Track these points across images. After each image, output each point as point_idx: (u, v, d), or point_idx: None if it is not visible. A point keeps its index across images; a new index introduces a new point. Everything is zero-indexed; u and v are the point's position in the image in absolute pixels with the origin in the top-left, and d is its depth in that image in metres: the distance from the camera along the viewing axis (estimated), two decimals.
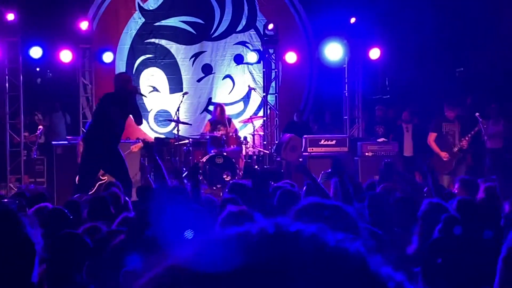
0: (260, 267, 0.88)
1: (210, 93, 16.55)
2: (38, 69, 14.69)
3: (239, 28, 16.60)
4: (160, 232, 3.03)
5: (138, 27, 16.39)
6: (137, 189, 8.38)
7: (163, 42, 16.46)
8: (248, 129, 15.49)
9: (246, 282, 0.87)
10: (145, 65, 16.46)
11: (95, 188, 11.30)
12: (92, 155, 10.07)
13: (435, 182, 6.50)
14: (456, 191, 7.45)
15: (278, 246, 0.90)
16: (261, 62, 16.10)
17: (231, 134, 13.83)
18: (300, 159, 13.86)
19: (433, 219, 4.48)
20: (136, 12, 16.36)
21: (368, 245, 0.97)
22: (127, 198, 7.25)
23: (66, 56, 14.64)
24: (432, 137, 13.15)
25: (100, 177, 11.49)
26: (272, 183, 7.78)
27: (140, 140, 13.49)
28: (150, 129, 16.39)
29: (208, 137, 13.76)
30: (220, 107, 14.33)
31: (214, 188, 12.92)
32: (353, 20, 14.97)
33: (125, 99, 10.05)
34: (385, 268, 0.92)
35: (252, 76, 16.51)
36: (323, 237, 0.92)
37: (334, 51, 15.04)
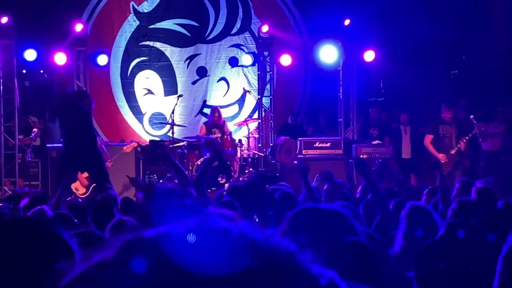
0: (188, 265, 0.88)
1: (204, 96, 16.55)
2: (24, 71, 14.59)
3: (234, 30, 16.61)
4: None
5: (132, 30, 16.39)
6: (143, 188, 8.33)
7: (157, 44, 16.45)
8: (243, 131, 15.49)
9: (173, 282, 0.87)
10: (139, 67, 16.45)
11: (90, 190, 11.28)
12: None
13: (443, 184, 6.51)
14: (455, 193, 7.44)
15: (207, 243, 0.90)
16: (256, 64, 16.11)
17: (226, 136, 13.83)
18: (295, 162, 13.86)
19: (415, 221, 4.50)
20: (131, 14, 16.36)
21: (298, 242, 0.97)
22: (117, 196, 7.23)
23: (60, 58, 14.61)
24: (428, 139, 13.17)
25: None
26: (268, 186, 7.79)
27: (133, 141, 13.48)
28: (144, 132, 16.37)
29: (203, 140, 13.76)
30: (217, 111, 14.32)
31: (209, 190, 12.89)
32: (347, 22, 14.98)
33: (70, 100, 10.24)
34: (315, 265, 0.92)
35: (247, 78, 16.51)
36: (252, 234, 0.92)
37: (328, 54, 15.04)
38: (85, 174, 10.95)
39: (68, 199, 8.35)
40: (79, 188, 11.04)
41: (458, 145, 12.93)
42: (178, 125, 14.69)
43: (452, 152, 12.97)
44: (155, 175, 14.25)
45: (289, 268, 0.90)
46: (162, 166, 14.02)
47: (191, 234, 0.93)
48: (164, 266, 0.88)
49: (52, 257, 1.90)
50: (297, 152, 13.84)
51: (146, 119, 16.46)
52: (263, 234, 0.93)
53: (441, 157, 12.95)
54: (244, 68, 16.47)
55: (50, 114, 10.87)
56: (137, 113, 16.45)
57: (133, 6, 16.33)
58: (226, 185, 12.72)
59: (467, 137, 12.90)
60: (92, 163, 10.37)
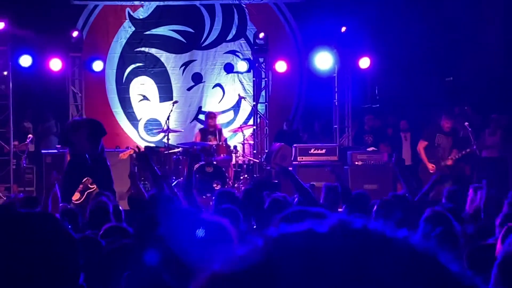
0: (330, 266, 0.86)
1: (200, 102, 16.55)
2: (5, 73, 14.51)
3: (229, 37, 16.62)
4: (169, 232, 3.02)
5: (128, 36, 16.39)
6: (128, 198, 8.35)
7: (153, 51, 16.46)
8: (238, 138, 15.49)
9: (314, 283, 0.86)
10: (135, 73, 16.45)
11: (84, 197, 11.27)
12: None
13: (406, 179, 6.56)
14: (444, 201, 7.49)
15: (347, 244, 0.89)
16: (251, 71, 16.12)
17: (221, 143, 13.83)
18: (290, 168, 13.86)
19: (433, 226, 4.50)
20: (126, 21, 16.36)
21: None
22: (120, 208, 7.23)
23: (56, 64, 14.62)
24: (422, 144, 13.18)
25: (89, 185, 11.45)
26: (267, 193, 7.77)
27: (130, 148, 13.47)
28: (140, 138, 16.36)
29: (199, 147, 13.75)
30: (212, 116, 14.31)
31: (204, 197, 12.89)
32: (343, 29, 15.01)
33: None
34: (454, 264, 0.91)
35: (242, 85, 16.53)
36: (391, 233, 0.91)
37: (324, 60, 15.06)
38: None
39: (60, 204, 8.32)
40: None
41: (451, 157, 12.93)
42: (173, 131, 14.68)
43: (442, 164, 12.95)
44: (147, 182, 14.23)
45: (433, 269, 0.89)
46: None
47: (201, 229, 0.93)
48: (308, 264, 0.87)
49: (57, 249, 1.90)
50: (292, 158, 13.85)
51: (141, 125, 16.46)
52: (402, 233, 0.91)
53: (431, 167, 12.96)
54: (240, 75, 16.48)
55: (62, 143, 11.07)
56: (132, 119, 16.45)
57: (128, 12, 16.34)
58: None
59: (461, 153, 12.88)
60: (98, 170, 10.37)
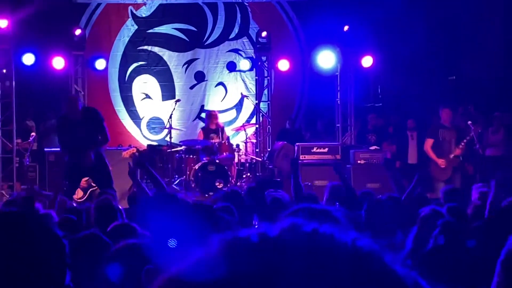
0: (278, 269, 0.88)
1: (202, 101, 16.56)
2: (4, 70, 14.50)
3: (232, 35, 16.63)
4: (147, 240, 3.04)
5: (131, 34, 16.41)
6: (128, 197, 8.36)
7: (155, 49, 16.47)
8: (240, 136, 15.50)
9: (263, 286, 0.87)
10: (137, 72, 16.46)
11: (87, 195, 11.27)
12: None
13: (397, 181, 6.57)
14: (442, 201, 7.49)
15: (296, 247, 0.91)
16: (254, 69, 16.12)
17: (223, 141, 13.84)
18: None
19: (431, 225, 4.51)
20: (129, 19, 16.38)
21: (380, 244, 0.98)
22: (120, 206, 7.23)
23: (58, 63, 14.64)
24: (428, 143, 13.18)
25: (92, 184, 11.46)
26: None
27: (132, 146, 13.48)
28: (142, 136, 16.38)
29: (200, 145, 13.76)
30: (213, 114, 14.32)
31: (206, 195, 12.90)
32: (346, 28, 15.01)
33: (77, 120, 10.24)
34: (398, 266, 0.93)
35: (245, 83, 16.53)
36: (340, 236, 0.93)
37: (326, 59, 15.06)
38: (84, 179, 10.95)
39: (57, 200, 8.33)
40: (76, 192, 11.03)
41: (457, 149, 12.96)
42: (176, 129, 14.69)
43: (451, 156, 12.98)
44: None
45: (379, 270, 0.90)
46: (160, 171, 14.01)
47: (172, 239, 0.96)
48: (261, 268, 0.88)
49: (43, 251, 1.89)
50: (294, 157, 13.84)
51: (143, 123, 16.47)
52: (350, 236, 0.93)
53: (441, 162, 12.97)
54: (242, 73, 16.49)
55: (57, 128, 10.96)
56: (135, 117, 16.47)
57: (131, 11, 16.35)
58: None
59: (464, 141, 12.92)
60: (97, 169, 10.37)
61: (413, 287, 0.92)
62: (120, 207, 7.17)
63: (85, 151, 10.27)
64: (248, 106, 16.45)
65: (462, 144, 12.92)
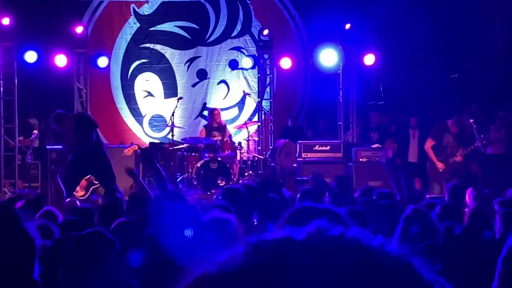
0: (305, 273, 0.88)
1: (204, 98, 16.56)
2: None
3: (234, 33, 16.63)
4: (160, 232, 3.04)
5: (133, 32, 16.41)
6: (129, 196, 8.35)
7: (158, 47, 16.48)
8: (242, 134, 15.49)
9: None
10: (140, 70, 16.47)
11: (89, 192, 11.30)
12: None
13: (397, 182, 6.57)
14: (446, 199, 7.50)
15: (323, 252, 0.90)
16: (256, 67, 16.12)
17: (225, 139, 13.84)
18: (295, 165, 13.88)
19: (414, 224, 4.51)
20: (131, 17, 16.38)
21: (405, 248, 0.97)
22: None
23: (61, 60, 14.65)
24: (429, 143, 13.18)
25: (94, 181, 11.47)
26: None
27: (134, 144, 13.49)
28: (144, 134, 16.38)
29: (203, 143, 13.76)
30: (216, 111, 14.33)
31: (208, 193, 12.91)
32: (348, 26, 15.00)
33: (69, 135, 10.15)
34: (428, 271, 0.92)
35: (247, 81, 16.53)
36: (367, 241, 0.93)
37: (328, 57, 15.06)
38: (86, 177, 10.96)
39: (67, 200, 8.35)
40: (78, 189, 11.05)
41: (457, 155, 12.94)
42: (178, 127, 14.69)
43: (450, 161, 12.97)
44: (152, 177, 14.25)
45: (408, 275, 0.90)
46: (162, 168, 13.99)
47: (189, 229, 0.95)
48: (288, 272, 0.88)
49: (14, 248, 1.94)
50: (296, 155, 13.85)
51: (146, 121, 16.48)
52: (377, 240, 0.93)
53: (440, 166, 12.98)
54: (244, 71, 16.49)
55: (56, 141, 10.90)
56: (137, 115, 16.47)
57: (133, 9, 16.36)
58: None
59: (468, 149, 12.89)
60: (99, 167, 10.34)
61: None
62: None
63: (85, 155, 10.24)
64: (250, 104, 16.45)
65: (464, 152, 12.91)
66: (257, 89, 16.25)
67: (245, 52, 16.50)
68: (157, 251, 2.79)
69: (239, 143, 14.38)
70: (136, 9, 16.37)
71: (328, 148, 13.82)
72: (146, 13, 16.44)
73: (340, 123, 15.48)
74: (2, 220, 2.07)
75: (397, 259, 0.91)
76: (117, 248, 3.53)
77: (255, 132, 15.88)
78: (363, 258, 0.90)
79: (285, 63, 15.56)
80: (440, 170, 12.96)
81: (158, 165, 6.54)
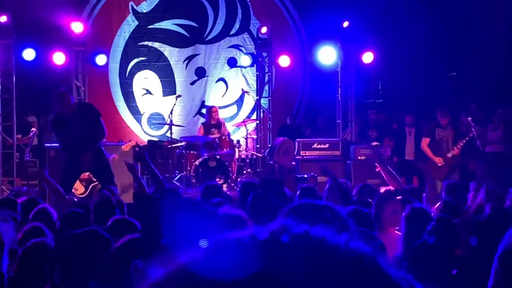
0: (271, 271, 0.87)
1: (203, 96, 16.55)
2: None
3: (233, 31, 16.62)
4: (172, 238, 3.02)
5: (131, 30, 16.39)
6: (134, 194, 8.32)
7: (156, 45, 16.46)
8: (241, 132, 15.49)
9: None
10: (138, 68, 16.45)
11: (88, 190, 11.26)
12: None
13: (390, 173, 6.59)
14: (443, 196, 7.50)
15: (286, 250, 0.90)
16: (255, 65, 16.11)
17: (224, 137, 13.84)
18: (293, 163, 13.88)
19: (416, 223, 4.51)
20: (130, 15, 16.36)
21: (375, 245, 0.97)
22: (123, 201, 7.22)
23: (59, 58, 14.63)
24: (425, 142, 13.21)
25: (93, 178, 11.44)
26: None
27: (131, 140, 13.47)
28: (143, 132, 16.37)
29: (201, 141, 13.76)
30: (214, 109, 14.33)
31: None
32: (346, 24, 15.00)
33: (70, 115, 10.07)
34: (394, 269, 0.92)
35: (246, 79, 16.53)
36: (332, 238, 0.92)
37: (327, 55, 15.06)
38: (84, 174, 10.93)
39: (67, 197, 8.34)
40: (77, 187, 11.03)
41: (455, 148, 12.95)
42: (176, 125, 14.69)
43: (448, 156, 12.98)
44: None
45: (372, 273, 0.89)
46: (161, 166, 14.01)
47: (204, 239, 0.95)
48: (250, 270, 0.88)
49: None
50: (295, 153, 13.85)
51: (144, 119, 16.47)
52: (342, 238, 0.92)
53: (438, 160, 12.99)
54: (243, 69, 16.48)
55: (52, 127, 10.82)
56: (136, 113, 16.46)
57: (132, 6, 16.34)
58: (225, 185, 12.73)
59: (464, 140, 12.91)
60: (97, 165, 10.34)
61: None
62: (123, 202, 7.16)
63: (83, 152, 10.19)
64: (249, 102, 16.45)
65: (461, 144, 12.92)
66: (255, 87, 16.25)
67: (244, 50, 16.49)
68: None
69: (238, 141, 14.38)
70: (135, 7, 16.36)
71: (326, 146, 13.82)
72: (144, 11, 16.42)
73: (339, 121, 15.48)
74: None
75: (362, 257, 0.90)
76: (113, 246, 3.53)
77: (254, 130, 15.88)
78: (327, 256, 0.89)
79: (284, 61, 15.56)
80: (439, 165, 12.96)
81: (152, 165, 6.54)
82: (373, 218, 5.36)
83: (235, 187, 12.94)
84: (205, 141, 13.63)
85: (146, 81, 16.48)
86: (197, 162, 13.31)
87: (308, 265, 0.88)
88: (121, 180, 11.41)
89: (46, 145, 13.62)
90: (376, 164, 7.74)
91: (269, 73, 16.12)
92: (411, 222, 4.61)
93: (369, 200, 6.35)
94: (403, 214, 4.76)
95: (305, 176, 11.73)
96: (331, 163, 13.32)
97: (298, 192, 7.15)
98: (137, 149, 13.18)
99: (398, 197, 5.88)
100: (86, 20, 16.02)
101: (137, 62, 16.45)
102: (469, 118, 12.90)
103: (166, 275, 0.92)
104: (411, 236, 4.51)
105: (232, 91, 16.54)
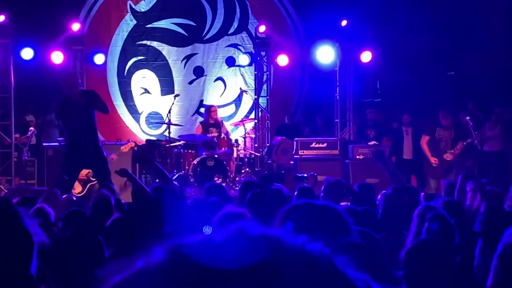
0: (223, 274, 0.88)
1: (201, 95, 16.55)
2: None
3: (231, 30, 16.61)
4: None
5: (129, 29, 16.38)
6: (132, 193, 8.30)
7: (154, 44, 16.45)
8: (239, 131, 15.49)
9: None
10: (136, 67, 16.44)
11: (86, 189, 11.27)
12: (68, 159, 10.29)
13: (391, 171, 6.58)
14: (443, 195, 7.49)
15: (242, 252, 0.90)
16: (253, 64, 16.10)
17: (222, 136, 13.83)
18: (291, 162, 13.87)
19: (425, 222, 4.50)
20: (128, 14, 16.35)
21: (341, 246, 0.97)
22: (122, 200, 7.20)
23: (57, 57, 14.61)
24: (424, 139, 13.23)
25: (90, 178, 11.45)
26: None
27: (131, 141, 13.48)
28: (141, 131, 16.37)
29: (199, 140, 13.75)
30: (212, 108, 14.33)
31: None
32: (344, 23, 15.00)
33: (77, 99, 10.07)
34: (350, 269, 0.93)
35: (244, 78, 16.52)
36: (288, 240, 0.93)
37: (325, 54, 15.06)
38: (82, 173, 10.94)
39: (63, 196, 8.33)
40: (75, 186, 11.03)
41: (453, 151, 12.95)
42: (175, 124, 14.69)
43: (445, 157, 12.99)
44: (149, 175, 14.24)
45: (328, 274, 0.90)
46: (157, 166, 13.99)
47: (208, 226, 0.95)
48: (206, 273, 0.88)
49: (12, 244, 1.98)
50: (293, 152, 13.85)
51: (142, 118, 16.46)
52: (299, 240, 0.93)
53: (433, 160, 13.01)
54: (241, 68, 16.47)
55: (56, 112, 10.82)
56: (134, 112, 16.45)
57: (130, 5, 16.33)
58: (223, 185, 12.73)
59: (464, 143, 12.91)
60: (97, 161, 10.35)
61: None
62: (122, 201, 7.15)
63: (86, 143, 10.20)
64: (247, 101, 16.44)
65: (459, 146, 12.92)
66: (254, 86, 16.24)
67: (242, 49, 16.49)
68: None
69: (236, 140, 14.38)
70: (133, 6, 16.35)
71: (325, 145, 13.82)
72: (142, 10, 16.41)
73: (337, 120, 15.49)
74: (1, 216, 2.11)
75: (318, 257, 0.91)
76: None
77: (252, 129, 15.87)
78: (284, 258, 0.90)
79: (282, 60, 15.55)
80: (434, 165, 12.98)
81: (156, 163, 6.54)
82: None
83: (234, 186, 12.94)
84: (203, 140, 13.63)
85: (144, 80, 16.47)
86: (195, 161, 13.30)
87: (265, 266, 0.88)
88: (120, 179, 11.41)
89: (44, 144, 13.63)
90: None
91: (268, 72, 16.11)
92: (422, 220, 4.61)
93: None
94: (416, 212, 4.75)
95: (305, 175, 11.75)
96: (329, 163, 13.35)
97: (296, 192, 7.15)
98: (135, 148, 13.18)
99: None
100: (84, 19, 16.01)
101: (136, 61, 16.44)
102: (468, 118, 12.91)
103: (123, 280, 0.92)
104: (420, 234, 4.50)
105: (231, 90, 16.54)
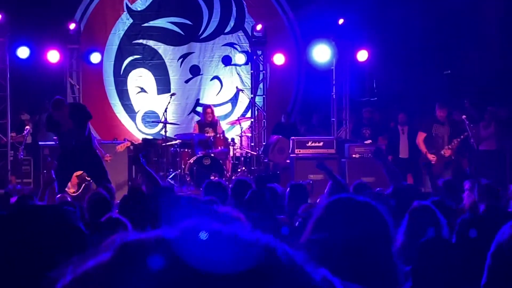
0: (172, 270, 0.88)
1: (198, 94, 16.54)
2: None
3: (227, 29, 16.60)
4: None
5: (126, 28, 16.37)
6: (129, 189, 8.32)
7: (151, 43, 16.44)
8: (235, 130, 15.49)
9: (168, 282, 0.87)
10: (133, 66, 16.43)
11: (81, 189, 11.24)
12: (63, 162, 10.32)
13: (389, 170, 6.58)
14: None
15: (194, 247, 0.90)
16: (249, 63, 16.11)
17: (218, 135, 13.83)
18: (287, 161, 13.87)
19: (420, 218, 4.50)
20: (124, 13, 16.34)
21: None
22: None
23: (53, 56, 14.60)
24: (421, 136, 13.21)
25: (85, 178, 11.44)
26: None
27: (127, 140, 13.47)
28: (137, 130, 16.35)
29: (196, 139, 13.75)
30: (210, 108, 14.32)
31: (201, 189, 12.87)
32: (341, 21, 15.00)
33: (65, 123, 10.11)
34: (308, 263, 0.93)
35: (240, 77, 16.52)
36: (244, 235, 0.93)
37: (322, 53, 15.06)
38: (77, 173, 10.92)
39: (57, 196, 8.33)
40: (69, 186, 11.01)
41: (450, 146, 12.96)
42: (171, 123, 14.68)
43: (443, 152, 12.99)
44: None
45: (284, 266, 0.90)
46: (155, 165, 14.00)
47: (204, 232, 0.95)
48: (151, 273, 0.88)
49: (67, 244, 1.95)
50: (289, 151, 13.85)
51: (139, 117, 16.45)
52: (254, 235, 0.93)
53: (431, 157, 12.99)
54: (238, 67, 16.47)
55: (47, 129, 10.87)
56: (130, 111, 16.44)
57: (126, 4, 16.32)
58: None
59: (459, 139, 12.92)
60: (90, 163, 10.35)
61: (322, 283, 0.91)
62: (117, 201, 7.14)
63: (78, 143, 10.21)
64: (244, 100, 16.44)
65: (455, 142, 12.93)
66: (250, 85, 16.24)
67: (238, 48, 16.48)
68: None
69: (232, 139, 14.38)
70: (129, 5, 16.33)
71: (321, 144, 13.82)
72: (139, 9, 16.39)
73: (333, 119, 15.49)
74: (56, 215, 2.09)
75: (273, 251, 0.91)
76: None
77: (248, 128, 15.88)
78: (238, 252, 0.90)
79: (279, 59, 15.55)
80: (433, 162, 12.97)
81: (147, 167, 6.53)
82: None
83: (230, 185, 12.93)
84: (199, 139, 13.62)
85: (140, 79, 16.46)
86: (191, 160, 13.30)
87: (218, 261, 0.88)
88: (115, 178, 11.41)
89: (40, 143, 13.61)
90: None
91: (264, 71, 16.11)
92: (414, 217, 4.61)
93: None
94: (409, 209, 4.76)
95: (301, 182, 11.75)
96: (326, 161, 13.35)
97: (288, 189, 7.16)
98: (131, 148, 13.17)
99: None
100: (81, 18, 16.00)
101: (132, 60, 16.43)
102: (464, 116, 12.92)
103: (73, 279, 0.92)
104: (413, 231, 4.50)
105: (227, 89, 16.53)
